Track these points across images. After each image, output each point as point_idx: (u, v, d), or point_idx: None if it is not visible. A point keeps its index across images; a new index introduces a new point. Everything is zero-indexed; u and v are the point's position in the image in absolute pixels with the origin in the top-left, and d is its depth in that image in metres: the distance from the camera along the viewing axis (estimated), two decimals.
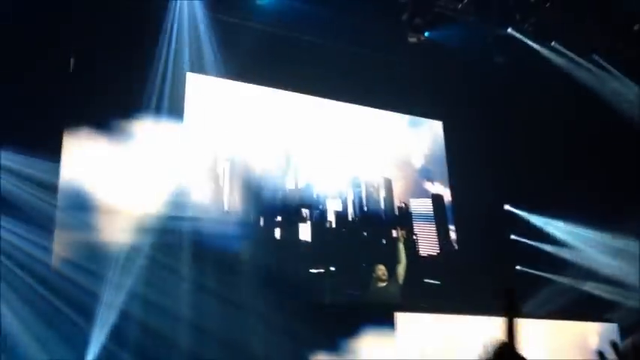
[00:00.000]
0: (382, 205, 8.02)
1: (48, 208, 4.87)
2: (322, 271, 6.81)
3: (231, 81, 7.12)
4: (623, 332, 5.52)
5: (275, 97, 7.64)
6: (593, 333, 5.73)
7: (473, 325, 5.24)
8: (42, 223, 4.72)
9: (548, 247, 7.12)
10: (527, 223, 7.40)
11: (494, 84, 7.69)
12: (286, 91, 7.62)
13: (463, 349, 4.93)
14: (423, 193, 8.21)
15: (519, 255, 7.22)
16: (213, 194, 6.76)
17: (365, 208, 7.92)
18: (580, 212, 6.54)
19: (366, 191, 8.01)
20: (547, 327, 5.57)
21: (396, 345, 4.92)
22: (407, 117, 8.39)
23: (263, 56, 6.71)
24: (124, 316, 4.63)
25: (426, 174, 8.33)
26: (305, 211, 7.55)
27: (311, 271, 6.80)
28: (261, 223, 7.08)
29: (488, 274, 6.31)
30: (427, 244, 7.98)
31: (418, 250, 7.75)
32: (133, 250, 4.94)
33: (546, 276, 6.86)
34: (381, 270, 6.20)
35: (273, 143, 7.42)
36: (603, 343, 5.71)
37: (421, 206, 8.41)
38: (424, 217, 8.19)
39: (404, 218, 8.02)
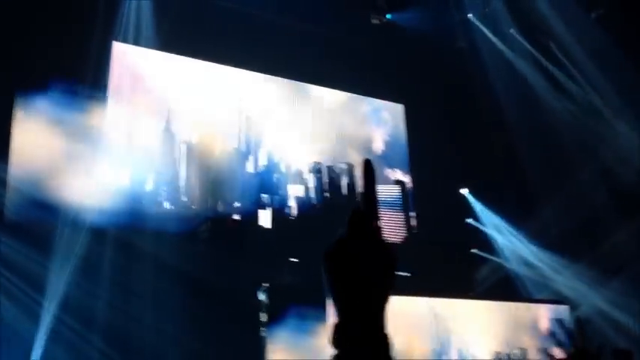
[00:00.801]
0: (344, 191, 8.11)
1: None
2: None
3: (182, 57, 7.04)
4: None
5: (231, 75, 7.57)
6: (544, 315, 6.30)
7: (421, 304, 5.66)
8: None
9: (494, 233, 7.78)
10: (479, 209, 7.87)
11: (456, 69, 7.85)
12: (243, 70, 7.59)
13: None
14: (383, 180, 8.29)
15: (474, 239, 7.59)
16: (170, 180, 6.79)
17: (327, 194, 8.01)
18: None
19: (328, 177, 8.10)
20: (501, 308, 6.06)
21: None
22: (369, 99, 8.50)
23: (218, 32, 6.71)
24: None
25: (387, 160, 8.45)
26: (265, 197, 7.58)
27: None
28: (220, 209, 7.08)
29: (446, 257, 6.69)
30: (393, 231, 8.42)
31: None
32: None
33: (496, 260, 7.49)
34: None
35: (231, 125, 7.39)
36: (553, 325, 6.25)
37: (387, 192, 8.70)
38: (390, 204, 8.54)
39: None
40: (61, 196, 5.44)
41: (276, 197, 7.67)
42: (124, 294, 5.11)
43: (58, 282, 4.84)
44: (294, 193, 7.81)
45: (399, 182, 8.43)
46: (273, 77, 7.75)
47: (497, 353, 6.05)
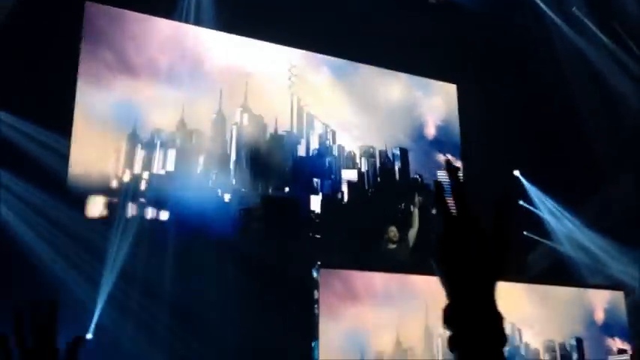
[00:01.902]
0: (397, 177, 8.41)
1: None
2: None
3: (231, 35, 7.38)
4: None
5: (282, 55, 7.92)
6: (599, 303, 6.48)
7: None
8: None
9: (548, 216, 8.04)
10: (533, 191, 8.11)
11: (513, 48, 8.04)
12: (294, 49, 7.92)
13: None
14: (435, 165, 8.52)
15: (527, 221, 7.78)
16: (220, 163, 7.16)
17: (379, 179, 8.31)
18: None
19: (381, 162, 8.43)
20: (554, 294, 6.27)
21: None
22: (422, 81, 8.74)
23: (269, 9, 6.97)
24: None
25: (438, 146, 8.69)
26: (316, 181, 7.92)
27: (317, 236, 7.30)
28: (270, 193, 7.38)
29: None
30: None
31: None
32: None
33: (549, 243, 7.76)
34: (393, 231, 6.79)
35: (283, 107, 7.77)
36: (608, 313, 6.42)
37: (443, 178, 8.93)
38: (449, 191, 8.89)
39: (420, 190, 8.71)
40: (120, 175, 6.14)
41: (328, 182, 8.01)
42: (183, 270, 5.62)
43: (118, 254, 5.46)
44: (346, 177, 8.12)
45: (455, 168, 8.81)
46: (325, 57, 8.08)
47: (551, 342, 6.30)
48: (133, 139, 6.65)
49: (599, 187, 7.27)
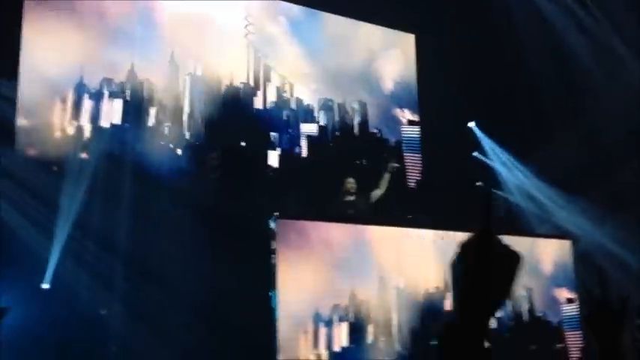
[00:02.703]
0: (356, 131, 8.78)
1: None
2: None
3: None
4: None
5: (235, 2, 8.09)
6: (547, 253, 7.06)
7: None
8: None
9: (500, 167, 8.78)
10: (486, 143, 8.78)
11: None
12: None
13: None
14: (393, 120, 9.00)
15: (481, 173, 8.47)
16: (172, 114, 7.29)
17: (337, 134, 8.62)
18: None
19: (340, 115, 8.73)
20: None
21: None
22: (380, 31, 9.08)
23: None
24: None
25: (396, 100, 9.07)
26: (274, 135, 8.15)
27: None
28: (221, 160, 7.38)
29: (453, 191, 7.58)
30: (413, 174, 8.81)
31: (406, 181, 8.61)
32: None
33: (500, 193, 8.49)
34: (350, 183, 6.93)
35: (238, 57, 7.96)
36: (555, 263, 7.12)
37: (409, 133, 9.43)
38: (410, 146, 9.00)
39: (381, 145, 8.92)
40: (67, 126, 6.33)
41: (286, 136, 8.25)
42: (138, 219, 5.89)
43: (72, 204, 5.71)
44: (305, 131, 8.38)
45: (413, 122, 9.09)
46: (282, 3, 8.32)
47: None
48: (80, 88, 6.71)
49: (548, 137, 7.76)
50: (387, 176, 7.47)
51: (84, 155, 6.30)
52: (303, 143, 8.37)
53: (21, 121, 6.12)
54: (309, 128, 8.48)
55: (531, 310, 6.86)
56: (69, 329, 5.36)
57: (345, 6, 8.43)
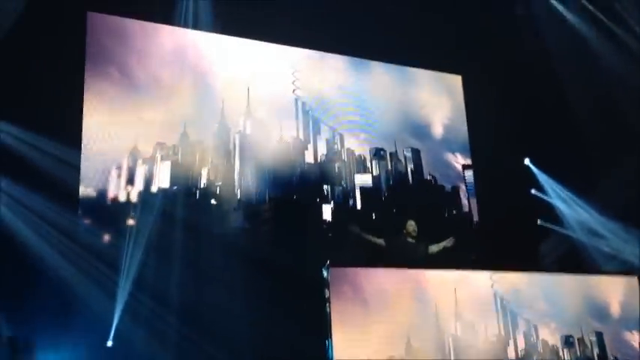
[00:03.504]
0: (410, 179, 9.12)
1: None
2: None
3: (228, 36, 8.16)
4: None
5: (282, 55, 8.67)
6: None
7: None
8: None
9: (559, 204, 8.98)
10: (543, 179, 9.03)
11: (515, 36, 8.97)
12: (295, 48, 8.69)
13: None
14: (447, 166, 9.37)
15: (540, 210, 8.84)
16: (224, 174, 7.83)
17: (391, 182, 8.95)
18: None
19: (392, 164, 9.10)
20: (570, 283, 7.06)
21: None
22: (426, 75, 9.57)
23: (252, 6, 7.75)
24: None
25: (448, 145, 9.46)
26: (326, 188, 8.56)
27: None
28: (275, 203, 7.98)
29: (511, 230, 7.93)
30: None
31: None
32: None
33: (562, 231, 8.74)
34: (412, 226, 7.46)
35: (287, 112, 8.49)
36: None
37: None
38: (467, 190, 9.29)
39: (436, 192, 9.17)
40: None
41: (339, 188, 8.64)
42: (193, 276, 6.44)
43: (132, 263, 6.37)
44: (359, 182, 8.77)
45: (466, 167, 9.43)
46: (326, 55, 8.87)
47: (569, 337, 7.02)
48: (134, 155, 7.36)
49: (607, 172, 8.06)
50: (443, 244, 7.86)
51: (135, 220, 6.91)
52: (357, 194, 8.73)
53: (83, 189, 6.88)
54: (362, 179, 8.85)
55: (602, 356, 6.93)
56: None
57: (390, 52, 8.94)
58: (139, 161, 7.40)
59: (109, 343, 6.10)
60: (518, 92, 8.95)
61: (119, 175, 7.26)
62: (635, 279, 6.99)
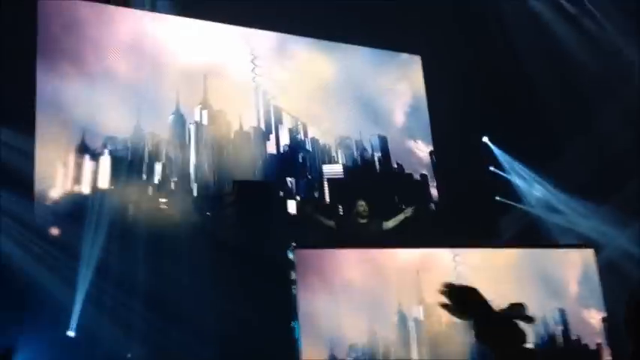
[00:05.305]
0: (378, 167, 10.07)
1: None
2: None
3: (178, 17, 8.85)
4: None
5: (240, 41, 9.46)
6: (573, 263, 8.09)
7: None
8: None
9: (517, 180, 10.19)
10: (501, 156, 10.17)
11: (472, 16, 10.11)
12: (246, 28, 9.45)
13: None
14: (409, 153, 10.40)
15: (498, 187, 10.13)
16: (179, 168, 8.51)
17: (358, 171, 9.83)
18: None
19: (359, 152, 10.00)
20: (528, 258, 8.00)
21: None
22: (386, 60, 10.72)
23: None
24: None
25: (409, 132, 10.51)
26: (290, 181, 9.38)
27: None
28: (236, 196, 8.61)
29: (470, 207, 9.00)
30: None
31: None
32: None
33: (520, 206, 10.00)
34: (362, 205, 8.12)
35: (246, 100, 9.30)
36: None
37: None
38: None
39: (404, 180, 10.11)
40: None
41: (303, 181, 9.50)
42: (158, 259, 7.22)
43: (92, 249, 7.26)
44: (328, 172, 9.71)
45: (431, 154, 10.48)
46: (286, 37, 9.76)
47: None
48: (83, 148, 8.09)
49: (560, 148, 9.14)
50: (401, 217, 8.66)
51: (90, 212, 7.61)
52: (326, 187, 9.56)
53: (38, 180, 7.56)
54: (332, 169, 9.74)
55: (566, 335, 7.78)
56: None
57: (351, 32, 9.88)
58: (87, 156, 8.11)
59: (71, 333, 6.96)
60: (478, 71, 10.01)
61: (71, 167, 7.99)
62: (591, 251, 8.15)
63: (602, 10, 9.14)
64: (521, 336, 2.38)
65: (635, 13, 8.40)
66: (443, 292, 2.33)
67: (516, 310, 2.70)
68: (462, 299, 2.33)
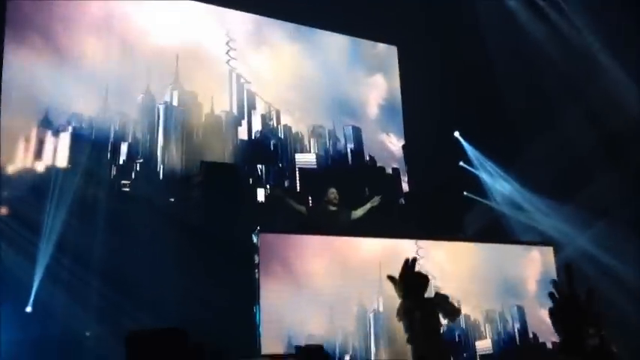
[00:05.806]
0: (350, 158, 10.38)
1: None
2: None
3: None
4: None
5: (215, 22, 9.67)
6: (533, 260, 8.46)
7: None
8: None
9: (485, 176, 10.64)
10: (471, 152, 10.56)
11: (448, 11, 10.38)
12: (221, 8, 9.61)
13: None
14: (381, 146, 10.77)
15: (467, 181, 10.51)
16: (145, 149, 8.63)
17: (330, 161, 10.14)
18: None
19: (331, 142, 10.33)
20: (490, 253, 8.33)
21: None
22: (362, 50, 11.16)
23: None
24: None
25: (381, 125, 10.93)
26: (260, 168, 9.59)
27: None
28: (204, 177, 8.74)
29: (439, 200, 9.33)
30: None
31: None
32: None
33: (485, 202, 10.48)
34: (332, 193, 8.27)
35: (219, 82, 9.46)
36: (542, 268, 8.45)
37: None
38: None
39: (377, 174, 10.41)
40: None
41: (274, 169, 9.75)
42: (120, 237, 7.36)
43: (54, 225, 7.44)
44: (301, 161, 9.99)
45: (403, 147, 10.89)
46: (262, 20, 10.01)
47: (490, 312, 7.99)
48: (45, 124, 8.18)
49: (530, 146, 9.52)
50: (368, 205, 8.84)
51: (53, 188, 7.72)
52: (297, 175, 9.81)
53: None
54: (305, 158, 10.01)
55: (522, 332, 8.12)
56: (51, 353, 6.96)
57: (328, 18, 10.17)
58: (49, 132, 8.23)
59: (28, 309, 7.16)
60: (451, 66, 10.30)
61: (33, 141, 8.17)
62: (550, 249, 8.55)
63: (574, 11, 9.44)
64: (434, 326, 2.65)
65: (604, 14, 8.72)
66: (403, 265, 2.61)
67: (438, 300, 3.07)
68: (411, 281, 2.62)
